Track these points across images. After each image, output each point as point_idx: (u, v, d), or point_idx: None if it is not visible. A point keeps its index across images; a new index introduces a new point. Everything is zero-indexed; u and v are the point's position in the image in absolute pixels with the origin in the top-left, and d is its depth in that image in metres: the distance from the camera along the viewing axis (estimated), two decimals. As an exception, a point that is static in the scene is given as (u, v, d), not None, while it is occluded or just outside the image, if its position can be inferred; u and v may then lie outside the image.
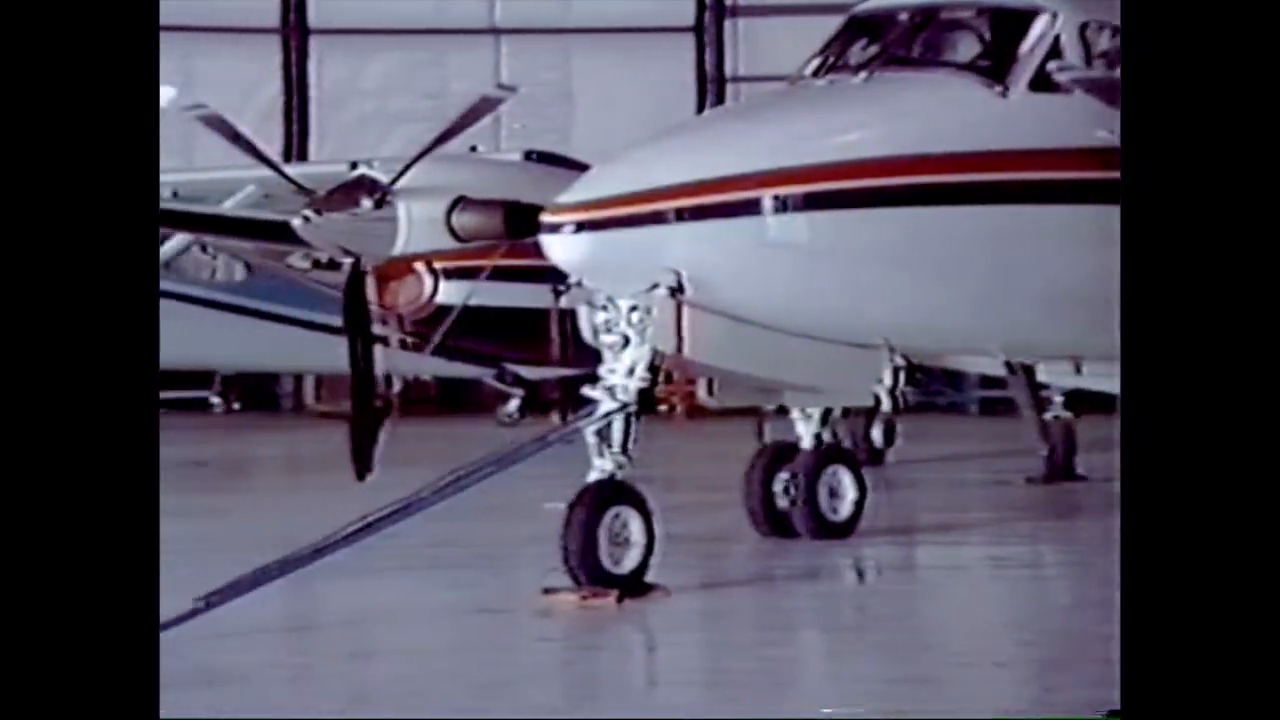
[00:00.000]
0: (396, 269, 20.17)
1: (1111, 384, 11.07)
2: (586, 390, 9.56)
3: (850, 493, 11.45)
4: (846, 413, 11.91)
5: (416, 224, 13.15)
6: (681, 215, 9.47)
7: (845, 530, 11.40)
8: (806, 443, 11.40)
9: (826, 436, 11.44)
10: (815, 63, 10.76)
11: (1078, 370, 12.15)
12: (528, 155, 15.02)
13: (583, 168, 10.44)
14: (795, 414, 11.41)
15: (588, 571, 9.19)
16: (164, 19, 26.45)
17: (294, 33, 28.53)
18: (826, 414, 11.40)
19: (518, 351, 23.23)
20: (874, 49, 10.59)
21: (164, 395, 25.33)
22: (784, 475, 11.39)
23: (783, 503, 11.39)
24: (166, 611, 7.94)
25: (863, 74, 10.39)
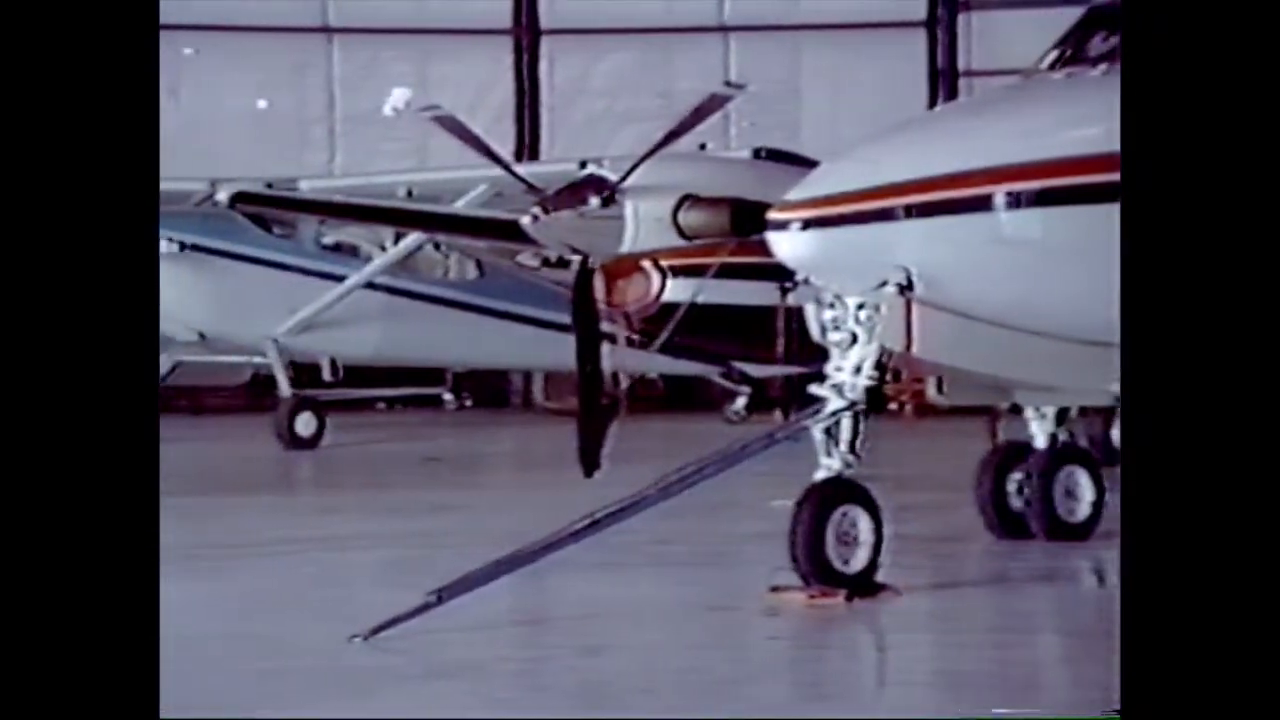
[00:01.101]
0: (624, 267, 20.16)
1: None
2: (814, 388, 9.49)
3: (1088, 494, 11.26)
4: (1084, 412, 11.71)
5: (644, 222, 13.16)
6: (911, 212, 9.36)
7: (1083, 532, 11.20)
8: (1040, 442, 11.22)
9: (1062, 436, 11.25)
10: (1052, 56, 10.58)
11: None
12: (756, 153, 14.97)
13: (812, 164, 10.36)
14: (1029, 413, 11.24)
15: (816, 570, 9.13)
16: (400, 23, 26.92)
17: (526, 33, 28.74)
18: (1062, 413, 11.21)
19: (744, 349, 23.11)
20: (1113, 41, 10.38)
21: (399, 391, 25.65)
22: (1017, 475, 11.23)
23: (1016, 503, 11.23)
24: (398, 605, 8.03)
25: (1101, 66, 10.20)
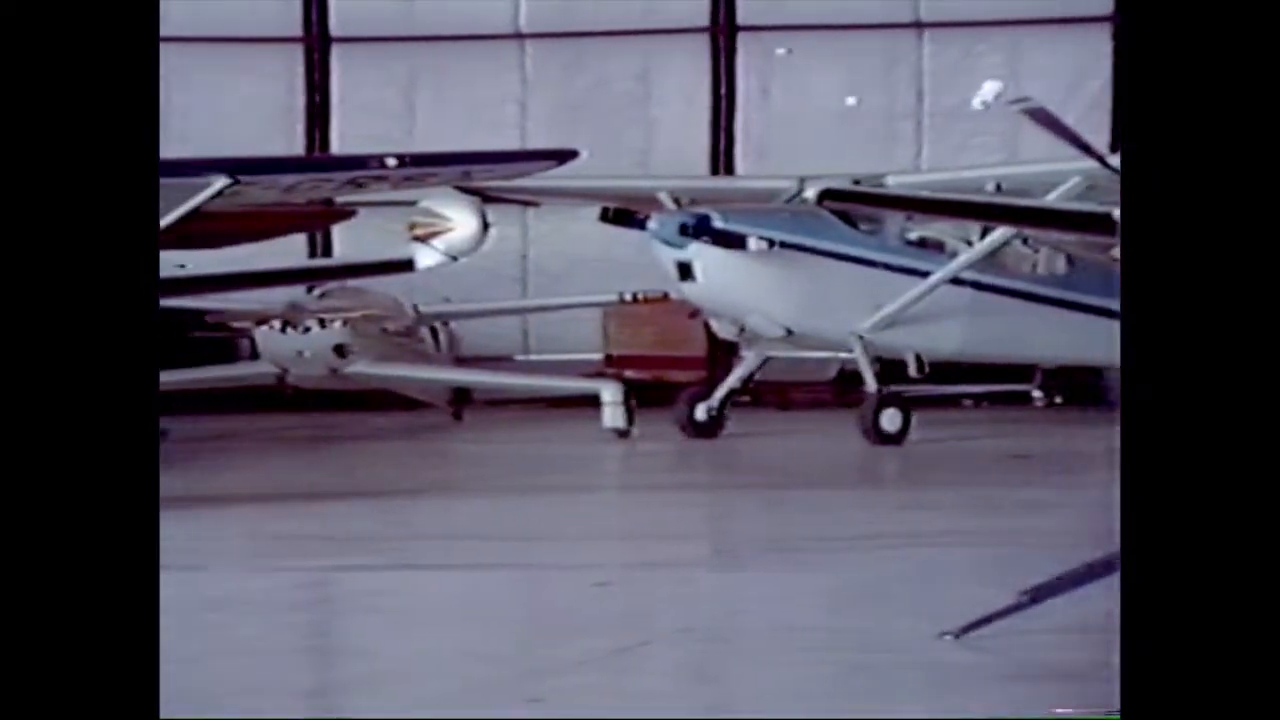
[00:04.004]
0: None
1: None
2: None
3: None
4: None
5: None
6: None
7: None
8: None
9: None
10: None
11: None
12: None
13: None
14: None
15: None
16: (991, 15, 26.35)
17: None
18: None
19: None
20: None
21: (986, 388, 25.39)
22: None
23: None
24: (988, 604, 7.86)
25: None
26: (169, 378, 21.04)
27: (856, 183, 20.39)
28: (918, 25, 27.32)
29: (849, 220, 20.45)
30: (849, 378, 22.20)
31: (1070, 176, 18.12)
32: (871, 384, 19.96)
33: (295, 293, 21.01)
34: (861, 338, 20.15)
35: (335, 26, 26.46)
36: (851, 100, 27.00)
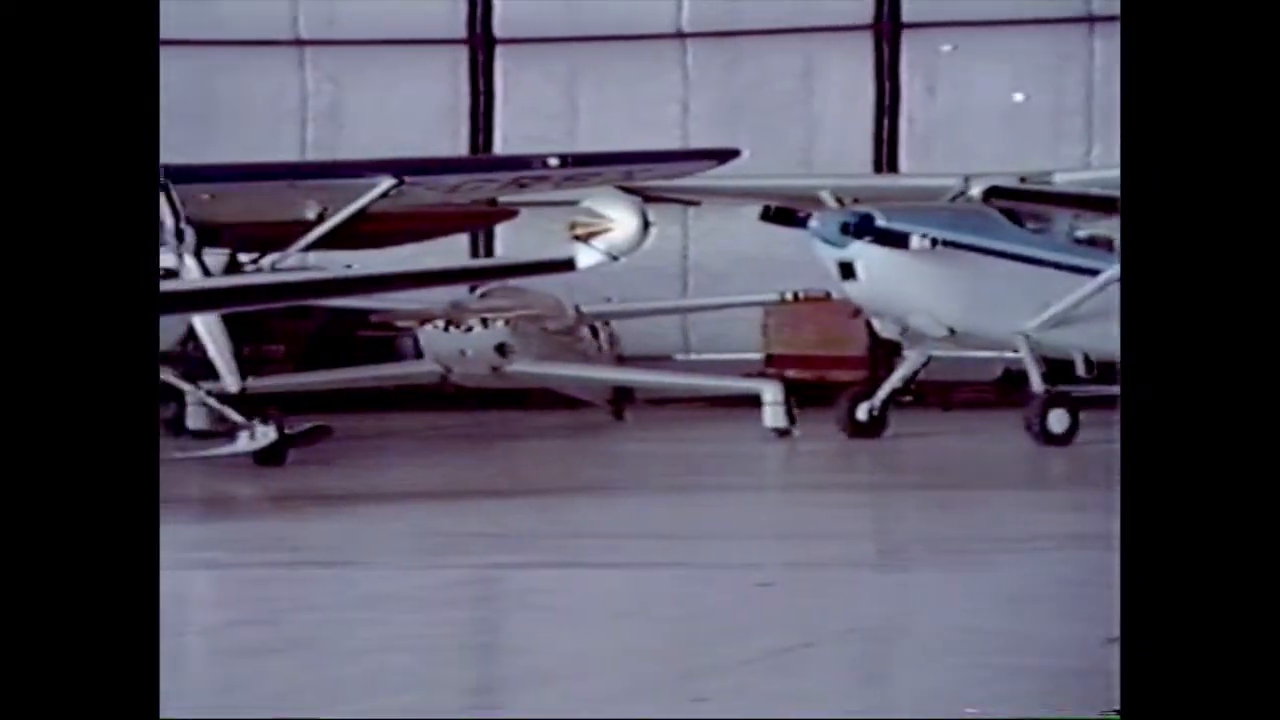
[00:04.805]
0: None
1: None
2: None
3: None
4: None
5: None
6: None
7: None
8: None
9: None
10: None
11: None
12: None
13: None
14: None
15: None
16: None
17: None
18: None
19: None
20: None
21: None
22: None
23: None
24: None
25: None
26: (336, 376, 21.41)
27: (1023, 180, 20.19)
28: (1090, 19, 27.02)
29: (1015, 218, 20.27)
30: (1014, 378, 22.00)
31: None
32: (1038, 384, 19.78)
33: (458, 292, 21.15)
34: (1028, 337, 19.97)
35: (499, 27, 26.63)
36: (1019, 97, 26.77)
